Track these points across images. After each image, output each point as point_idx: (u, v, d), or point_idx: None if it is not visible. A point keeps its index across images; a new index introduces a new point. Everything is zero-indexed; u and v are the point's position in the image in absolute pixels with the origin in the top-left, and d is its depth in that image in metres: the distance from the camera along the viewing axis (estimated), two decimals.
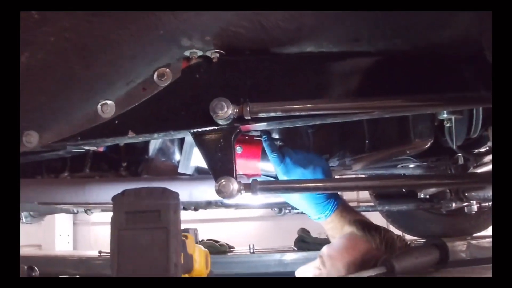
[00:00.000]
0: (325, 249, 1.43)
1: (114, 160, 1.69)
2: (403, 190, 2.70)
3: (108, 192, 1.45)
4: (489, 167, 1.81)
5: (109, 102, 1.25)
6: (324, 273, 1.38)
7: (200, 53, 1.22)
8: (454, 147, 1.60)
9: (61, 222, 5.23)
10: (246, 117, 1.18)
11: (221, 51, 1.22)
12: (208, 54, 1.22)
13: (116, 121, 1.26)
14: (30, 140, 1.28)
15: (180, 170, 1.53)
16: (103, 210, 2.29)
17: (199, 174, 1.53)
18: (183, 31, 1.14)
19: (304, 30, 1.16)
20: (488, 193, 2.13)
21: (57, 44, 1.02)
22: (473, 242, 2.39)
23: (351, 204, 4.75)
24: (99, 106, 1.25)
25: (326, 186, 1.20)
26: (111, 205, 0.93)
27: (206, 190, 1.25)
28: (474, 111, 1.62)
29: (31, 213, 2.32)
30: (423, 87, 1.25)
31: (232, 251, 2.59)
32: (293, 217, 3.50)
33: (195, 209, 1.69)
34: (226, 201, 1.40)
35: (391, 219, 2.90)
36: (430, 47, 1.25)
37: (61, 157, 1.64)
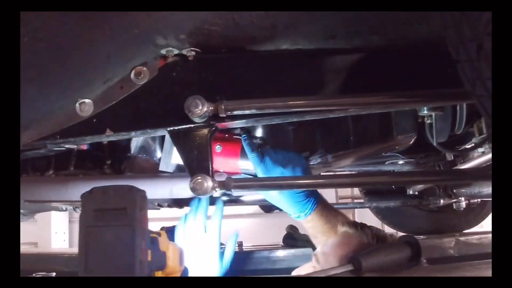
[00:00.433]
0: (319, 247, 1.44)
1: (98, 158, 1.70)
2: (393, 187, 2.71)
3: None
4: (473, 163, 1.82)
5: (87, 100, 1.26)
6: (318, 269, 1.39)
7: (176, 51, 1.23)
8: (435, 143, 1.61)
9: (57, 220, 5.24)
10: (221, 115, 1.19)
11: (197, 49, 1.22)
12: (184, 52, 1.23)
13: (94, 120, 1.27)
14: None
15: (161, 168, 1.54)
16: None
17: (180, 172, 1.54)
18: (157, 30, 1.14)
19: (278, 27, 1.16)
20: (475, 189, 2.14)
21: (30, 44, 1.02)
22: (461, 238, 2.39)
23: (345, 200, 4.75)
24: (77, 104, 1.26)
25: (300, 184, 1.21)
26: None
27: (186, 188, 1.25)
28: (458, 107, 1.62)
29: (22, 211, 2.33)
30: (403, 83, 1.25)
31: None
32: (281, 214, 3.51)
33: (168, 206, 1.70)
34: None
35: (381, 215, 2.91)
36: (409, 43, 1.25)
37: (47, 156, 1.66)
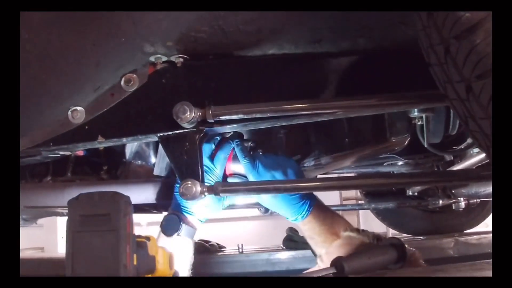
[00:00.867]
0: (323, 249, 1.45)
1: (95, 163, 1.72)
2: (393, 188, 2.71)
3: None
4: (466, 164, 1.82)
5: (79, 108, 1.29)
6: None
7: (164, 58, 1.25)
8: (426, 145, 1.61)
9: (63, 225, 5.19)
10: (209, 120, 1.20)
11: (185, 56, 1.24)
12: (172, 59, 1.25)
13: (87, 127, 1.29)
14: None
15: (155, 173, 1.56)
16: None
17: (174, 176, 1.56)
18: (144, 38, 1.16)
19: (264, 32, 1.18)
20: (474, 189, 2.15)
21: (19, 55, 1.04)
22: (461, 239, 2.39)
23: (350, 202, 4.74)
24: (69, 112, 1.29)
25: (287, 187, 1.22)
26: None
27: None
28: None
29: (23, 216, 2.36)
30: (393, 85, 1.25)
31: (222, 251, 2.62)
32: (281, 217, 3.51)
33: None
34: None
35: (381, 216, 2.91)
36: (396, 45, 1.25)
37: (45, 162, 1.68)
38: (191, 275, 1.41)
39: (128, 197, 0.91)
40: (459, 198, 2.43)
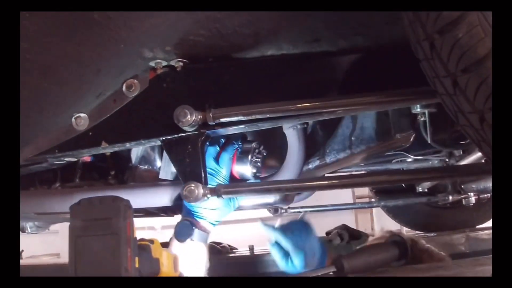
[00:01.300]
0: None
1: (102, 169, 1.74)
2: (403, 185, 2.70)
3: None
4: (472, 158, 1.81)
5: (82, 115, 1.31)
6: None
7: (164, 63, 1.26)
8: (429, 141, 1.61)
9: None
10: (210, 123, 1.22)
11: (185, 60, 1.26)
12: (172, 63, 1.27)
13: (90, 133, 1.32)
14: None
15: (161, 176, 1.57)
16: None
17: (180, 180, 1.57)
18: (143, 43, 1.18)
19: (262, 34, 1.19)
20: (482, 184, 2.13)
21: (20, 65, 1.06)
22: (472, 234, 2.37)
23: (363, 200, 4.69)
24: (73, 119, 1.31)
25: (288, 187, 1.22)
26: None
27: None
28: None
29: (36, 223, 2.40)
30: (393, 82, 1.25)
31: (233, 253, 2.63)
32: (290, 217, 3.52)
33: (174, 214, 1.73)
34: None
35: (392, 214, 2.90)
36: (395, 42, 1.25)
37: (53, 169, 1.71)
38: None
39: (128, 201, 0.93)
40: (469, 194, 2.41)
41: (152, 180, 1.63)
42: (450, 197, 2.44)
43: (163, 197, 1.52)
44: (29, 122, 1.27)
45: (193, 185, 1.22)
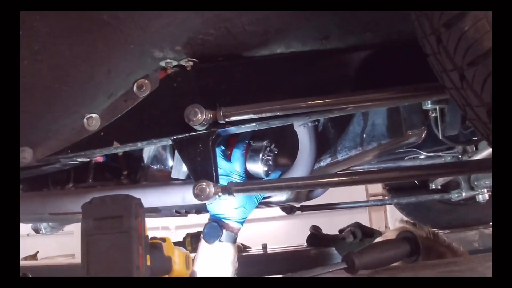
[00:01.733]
0: None
1: (115, 169, 1.75)
2: (416, 182, 2.69)
3: None
4: (484, 154, 1.80)
5: (94, 115, 1.32)
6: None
7: (174, 62, 1.27)
8: (441, 137, 1.60)
9: None
10: (220, 122, 1.22)
11: (195, 59, 1.26)
12: (182, 63, 1.27)
13: (102, 133, 1.33)
14: (25, 155, 1.36)
15: (173, 176, 1.58)
16: None
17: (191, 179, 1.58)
18: (153, 44, 1.19)
19: (271, 32, 1.19)
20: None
21: (31, 66, 1.08)
22: (486, 231, 2.36)
23: (376, 198, 4.68)
24: (85, 120, 1.32)
25: (299, 185, 1.22)
26: None
27: None
28: None
29: (50, 224, 2.42)
30: (404, 78, 1.25)
31: (247, 251, 2.64)
32: (303, 216, 3.52)
33: (187, 213, 1.73)
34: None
35: (405, 211, 2.89)
36: (404, 38, 1.25)
37: (66, 170, 1.73)
38: None
39: (139, 199, 0.94)
40: (482, 190, 2.40)
41: (165, 179, 1.64)
42: (464, 194, 2.42)
43: (175, 196, 1.53)
44: (41, 123, 1.29)
45: (204, 183, 1.23)
